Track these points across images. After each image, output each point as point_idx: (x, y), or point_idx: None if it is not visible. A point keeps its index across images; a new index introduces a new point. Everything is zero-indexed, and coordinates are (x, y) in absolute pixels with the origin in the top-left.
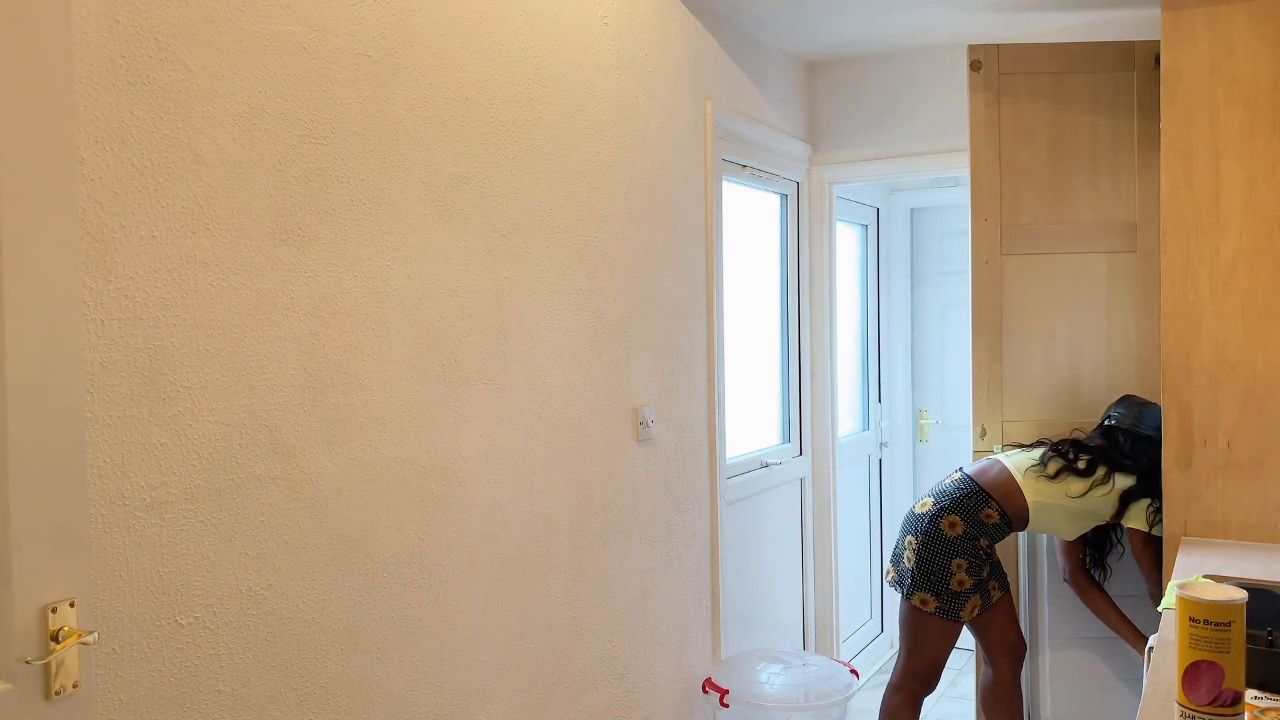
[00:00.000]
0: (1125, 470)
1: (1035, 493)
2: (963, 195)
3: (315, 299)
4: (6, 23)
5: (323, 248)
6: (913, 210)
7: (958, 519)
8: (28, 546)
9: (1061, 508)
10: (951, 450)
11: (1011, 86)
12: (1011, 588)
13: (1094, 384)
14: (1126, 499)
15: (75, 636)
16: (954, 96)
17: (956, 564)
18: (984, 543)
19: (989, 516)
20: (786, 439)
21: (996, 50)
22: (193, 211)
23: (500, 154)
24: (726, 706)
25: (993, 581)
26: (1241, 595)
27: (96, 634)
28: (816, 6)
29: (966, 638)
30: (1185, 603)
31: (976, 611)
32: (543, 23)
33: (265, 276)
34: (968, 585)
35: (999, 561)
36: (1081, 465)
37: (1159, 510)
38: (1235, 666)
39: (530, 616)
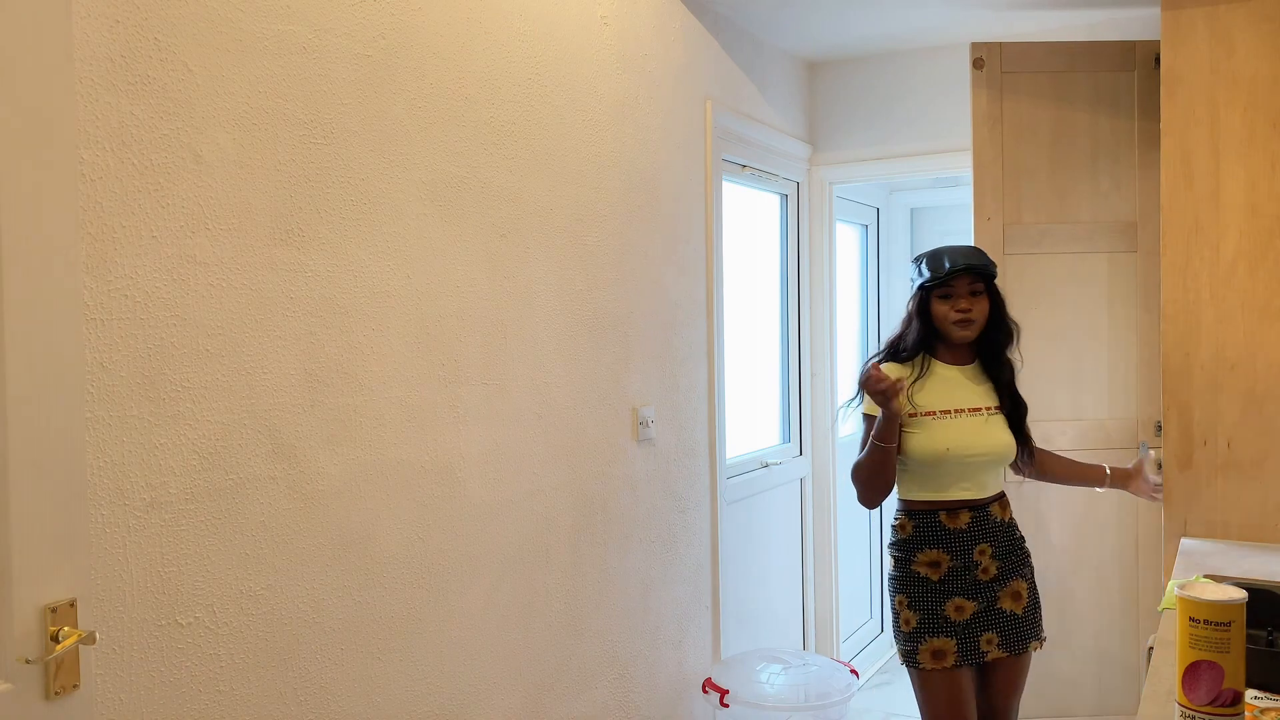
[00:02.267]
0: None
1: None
2: (963, 195)
3: (315, 299)
4: (6, 23)
5: (323, 248)
6: (913, 210)
7: (891, 551)
8: (28, 546)
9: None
10: None
11: (1013, 85)
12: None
13: (1095, 384)
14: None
15: (75, 636)
16: (954, 97)
17: (899, 600)
18: (923, 567)
19: (901, 527)
20: (786, 439)
21: (999, 49)
22: (193, 211)
23: (500, 154)
24: (726, 706)
25: (989, 634)
26: (1241, 595)
27: (97, 633)
28: (816, 6)
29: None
30: (1185, 603)
31: (953, 661)
32: (543, 23)
33: (265, 276)
34: (914, 624)
35: (1003, 611)
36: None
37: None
38: (1235, 666)
39: (530, 616)
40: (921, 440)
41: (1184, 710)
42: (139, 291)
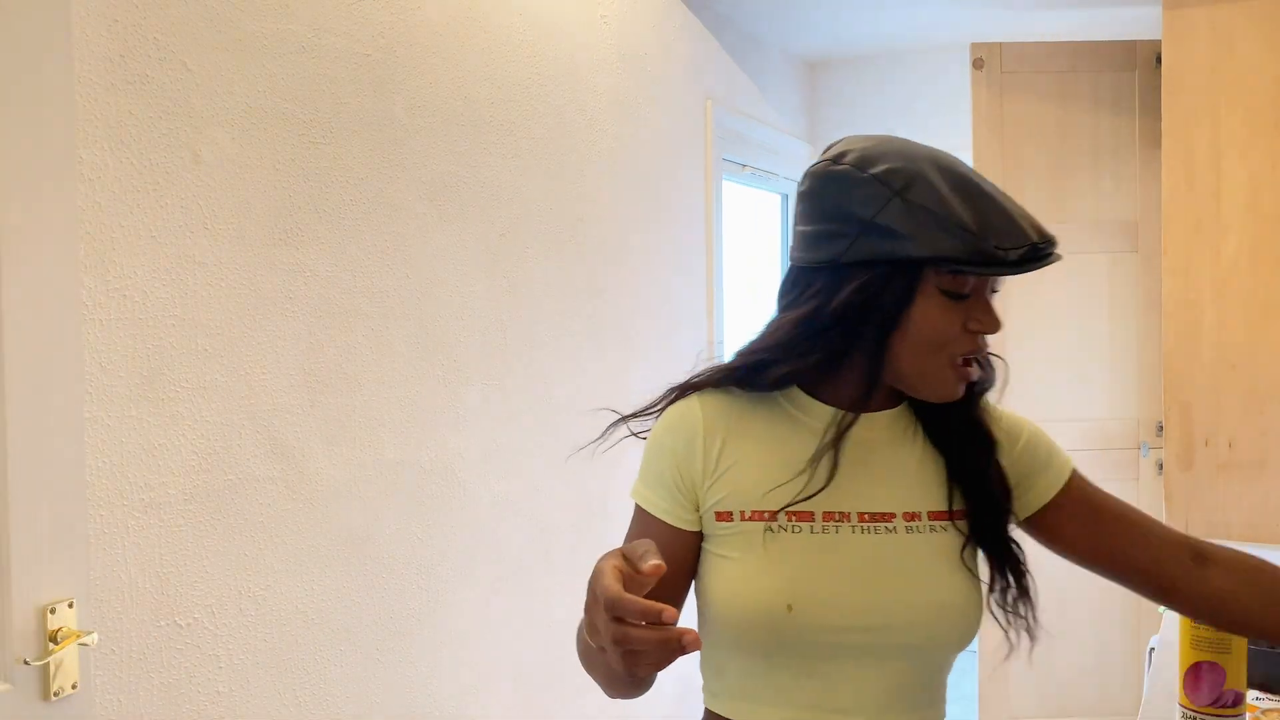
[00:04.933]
0: None
1: None
2: None
3: (315, 299)
4: (6, 23)
5: (323, 248)
6: None
7: None
8: (27, 546)
9: None
10: None
11: (1014, 85)
12: None
13: (1096, 384)
14: None
15: (75, 637)
16: (954, 96)
17: None
18: None
19: None
20: None
21: (999, 49)
22: (193, 211)
23: (500, 154)
24: None
25: None
26: None
27: (96, 634)
28: (816, 6)
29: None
30: None
31: None
32: (543, 21)
33: (265, 276)
34: None
35: None
36: None
37: None
38: (1237, 667)
39: (530, 617)
40: (733, 579)
41: (1185, 711)
42: (139, 291)
